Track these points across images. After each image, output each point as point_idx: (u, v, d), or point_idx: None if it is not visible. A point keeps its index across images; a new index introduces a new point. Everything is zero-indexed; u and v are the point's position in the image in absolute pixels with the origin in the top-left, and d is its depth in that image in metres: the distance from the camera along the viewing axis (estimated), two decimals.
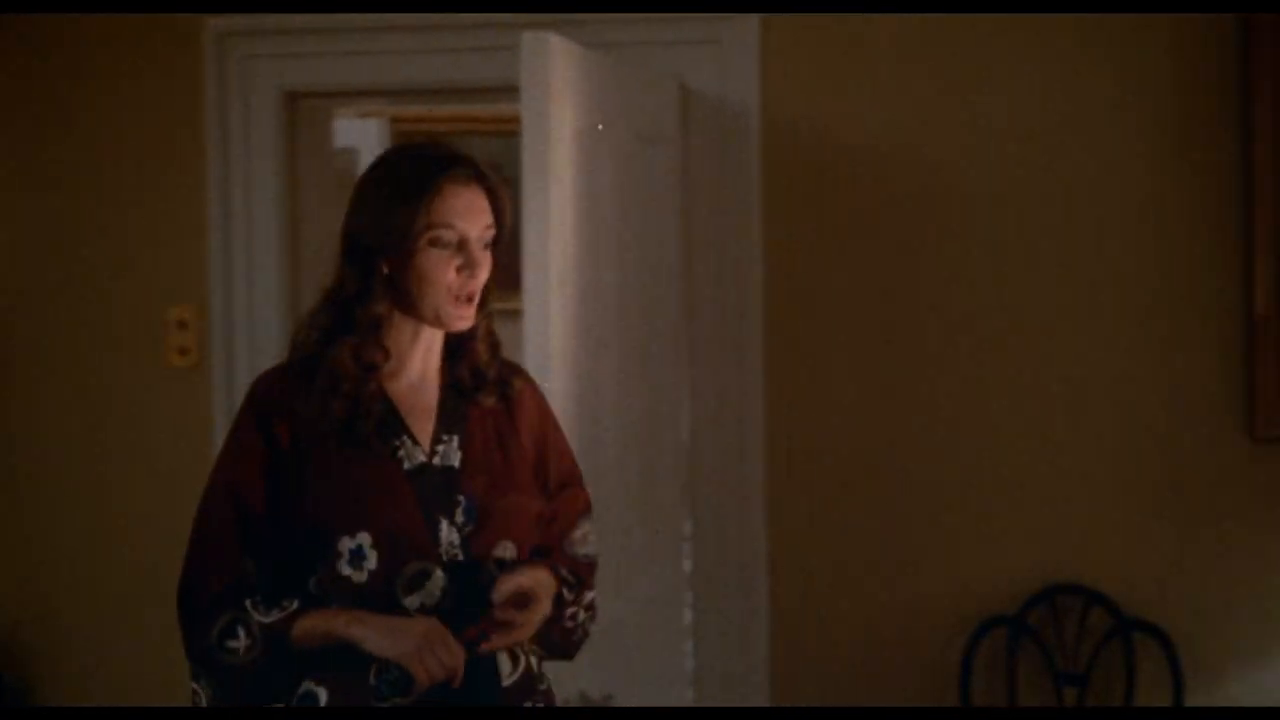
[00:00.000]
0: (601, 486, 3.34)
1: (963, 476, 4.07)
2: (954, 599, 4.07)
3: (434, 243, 2.43)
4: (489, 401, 2.55)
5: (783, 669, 4.12)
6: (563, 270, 3.38)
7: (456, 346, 2.55)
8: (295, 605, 2.39)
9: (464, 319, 2.48)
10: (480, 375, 2.55)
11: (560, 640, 2.57)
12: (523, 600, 2.40)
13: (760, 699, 4.10)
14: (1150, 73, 3.98)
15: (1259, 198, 3.89)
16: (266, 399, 2.48)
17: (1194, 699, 3.97)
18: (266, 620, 2.38)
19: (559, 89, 3.42)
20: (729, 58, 4.13)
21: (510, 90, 3.52)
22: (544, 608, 2.45)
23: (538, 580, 2.44)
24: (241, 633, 2.39)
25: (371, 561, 2.40)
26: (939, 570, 4.08)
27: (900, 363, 4.09)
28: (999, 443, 4.05)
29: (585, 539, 2.63)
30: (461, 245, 2.45)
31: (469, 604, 2.41)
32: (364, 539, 2.40)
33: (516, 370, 2.62)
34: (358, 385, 2.45)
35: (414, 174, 2.45)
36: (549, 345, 3.33)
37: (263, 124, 4.34)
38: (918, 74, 4.05)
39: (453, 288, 2.45)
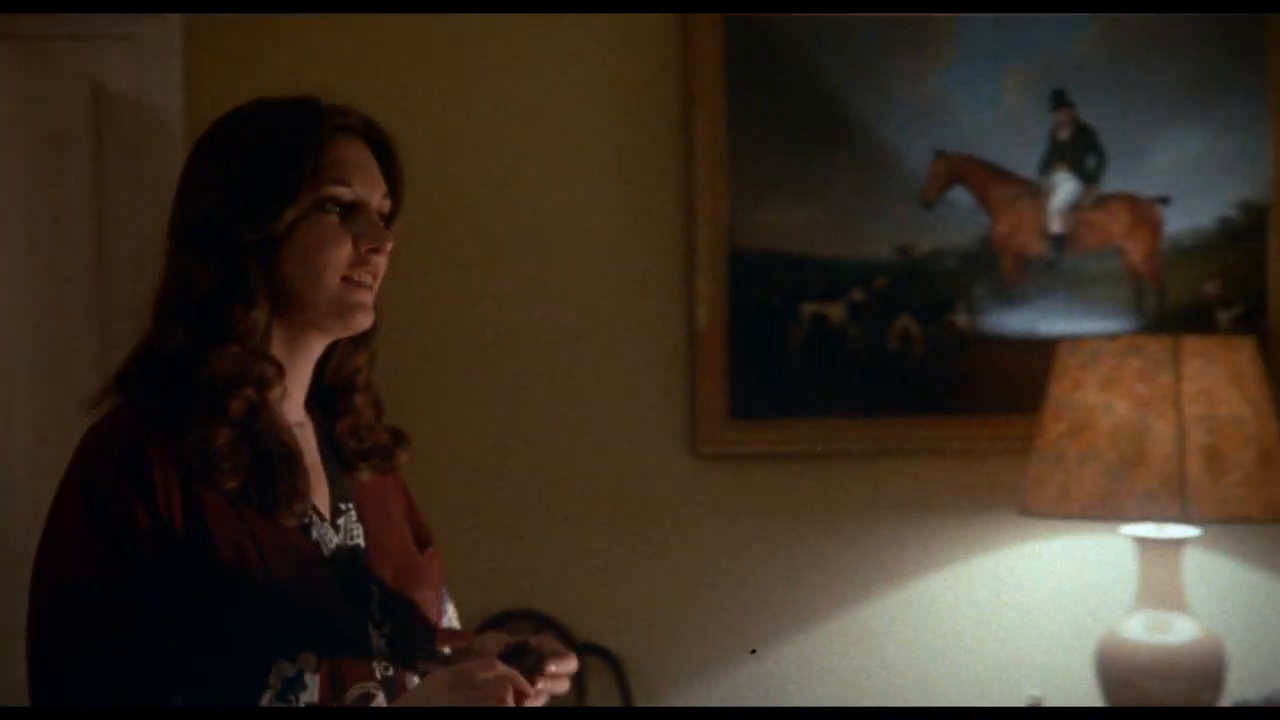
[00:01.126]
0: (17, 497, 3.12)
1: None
2: None
3: (323, 206, 1.83)
4: (365, 476, 1.96)
5: None
6: None
7: (330, 397, 1.95)
8: None
9: (366, 311, 1.87)
10: (361, 440, 1.95)
11: None
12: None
13: None
14: (594, 77, 3.89)
15: (699, 210, 3.83)
16: (132, 457, 1.72)
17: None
18: None
19: None
20: (148, 57, 3.81)
21: None
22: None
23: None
24: None
25: (312, 692, 1.75)
26: None
27: None
28: (449, 465, 3.86)
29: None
30: (357, 210, 1.86)
31: None
32: (305, 662, 1.74)
33: (402, 439, 2.03)
34: (249, 411, 1.78)
35: (291, 121, 1.85)
36: None
37: None
38: (356, 76, 3.84)
39: (348, 265, 1.84)
